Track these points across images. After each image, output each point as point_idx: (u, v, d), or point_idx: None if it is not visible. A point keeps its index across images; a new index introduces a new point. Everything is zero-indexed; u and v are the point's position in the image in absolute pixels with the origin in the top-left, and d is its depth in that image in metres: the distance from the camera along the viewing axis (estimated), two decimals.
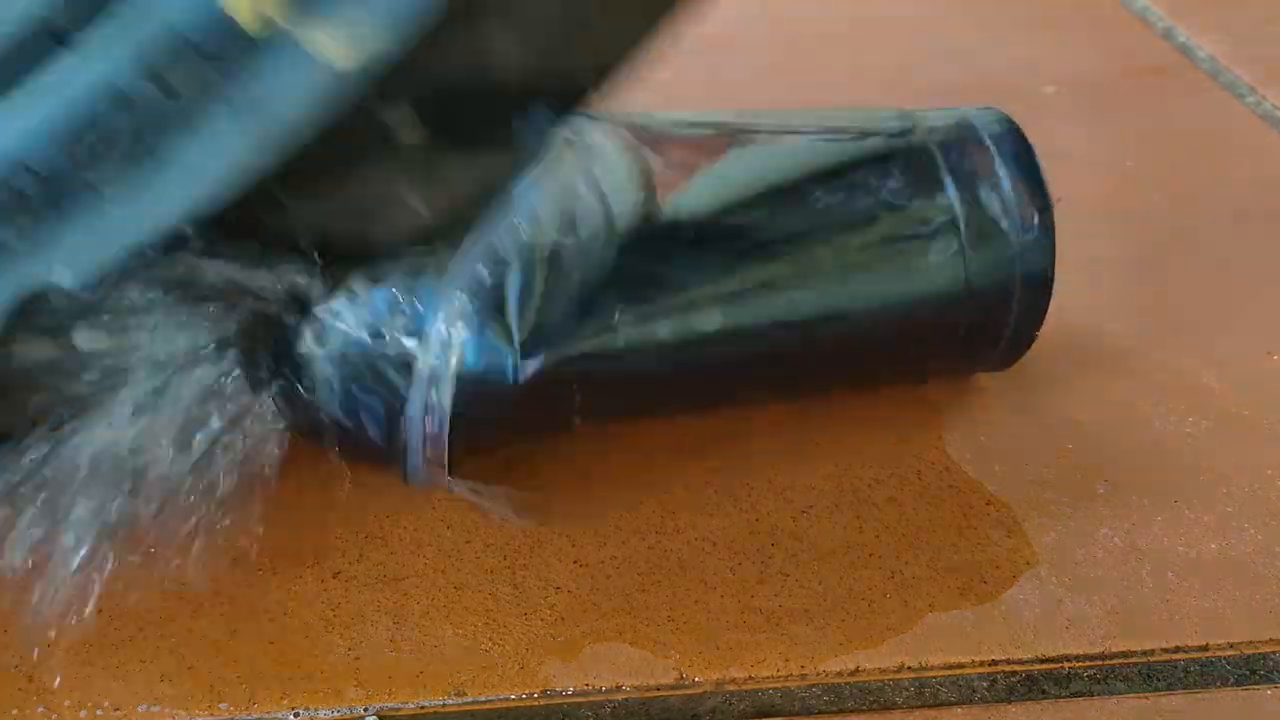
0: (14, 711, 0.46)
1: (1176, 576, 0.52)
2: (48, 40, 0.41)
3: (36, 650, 0.48)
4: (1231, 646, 0.49)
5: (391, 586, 0.52)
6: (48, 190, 0.41)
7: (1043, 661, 0.48)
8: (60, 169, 0.40)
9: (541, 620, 0.50)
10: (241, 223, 0.43)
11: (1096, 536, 0.54)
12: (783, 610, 0.51)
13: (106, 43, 0.41)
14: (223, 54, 0.40)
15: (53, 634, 0.48)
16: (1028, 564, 0.52)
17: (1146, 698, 0.47)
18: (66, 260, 0.41)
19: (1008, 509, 0.56)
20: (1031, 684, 0.48)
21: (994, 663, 0.48)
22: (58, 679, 0.47)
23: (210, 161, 0.41)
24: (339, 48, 0.41)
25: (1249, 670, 0.48)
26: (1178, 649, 0.49)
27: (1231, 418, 0.61)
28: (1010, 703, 0.47)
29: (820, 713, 0.47)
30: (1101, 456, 0.59)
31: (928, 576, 0.52)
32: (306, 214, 0.45)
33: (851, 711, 0.47)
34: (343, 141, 0.42)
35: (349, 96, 0.41)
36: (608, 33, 0.48)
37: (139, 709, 0.47)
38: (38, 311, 0.42)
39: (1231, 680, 0.48)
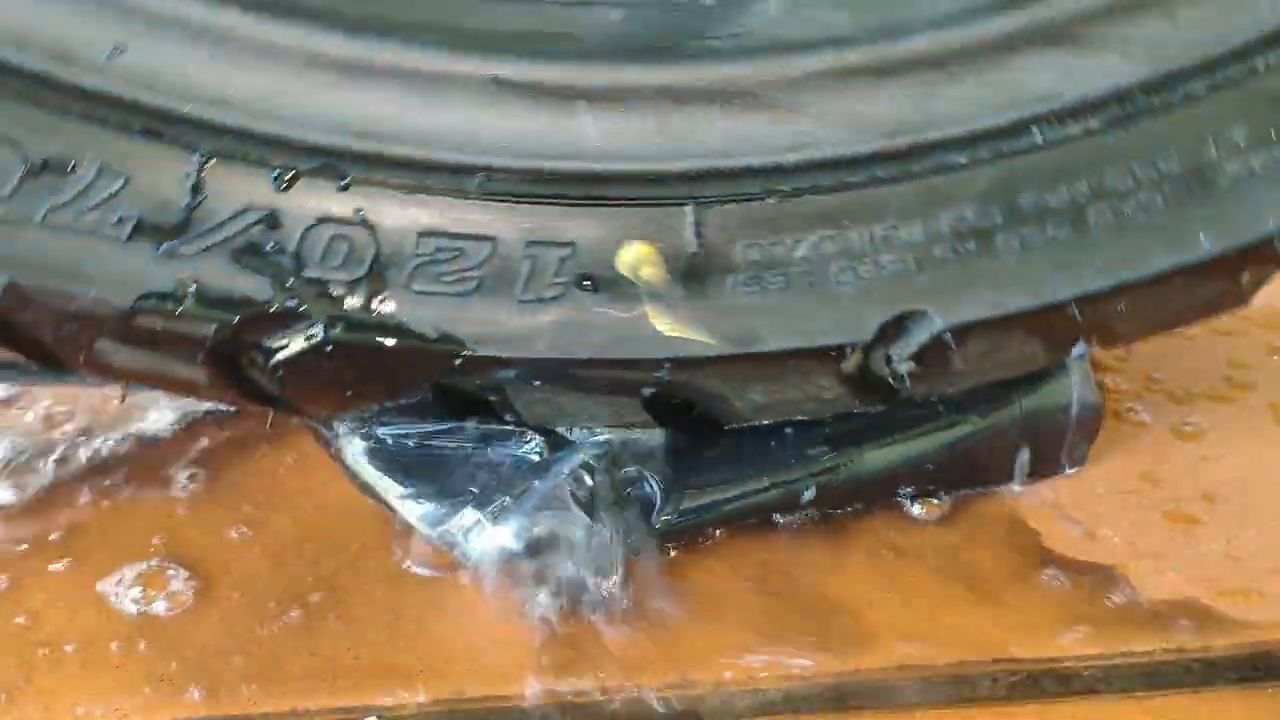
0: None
1: (1177, 575, 0.52)
2: None
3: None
4: (1232, 645, 0.49)
5: (392, 586, 0.52)
6: None
7: (1043, 660, 0.48)
8: None
9: (541, 620, 0.50)
10: None
11: (1097, 536, 0.54)
12: (783, 610, 0.50)
13: None
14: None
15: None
16: (1028, 563, 0.52)
17: (1147, 697, 0.47)
18: None
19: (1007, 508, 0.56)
20: (1033, 683, 0.47)
21: (996, 661, 0.48)
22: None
23: None
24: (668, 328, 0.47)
25: (1251, 669, 0.48)
26: (1178, 649, 0.49)
27: None
28: (1011, 702, 0.47)
29: (820, 712, 0.47)
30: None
31: (928, 576, 0.52)
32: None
33: (852, 711, 0.47)
34: None
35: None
36: None
37: (114, 709, 0.46)
38: None
39: (1233, 679, 0.48)
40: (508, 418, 0.49)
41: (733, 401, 0.49)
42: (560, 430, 0.51)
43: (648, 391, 0.48)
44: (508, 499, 0.49)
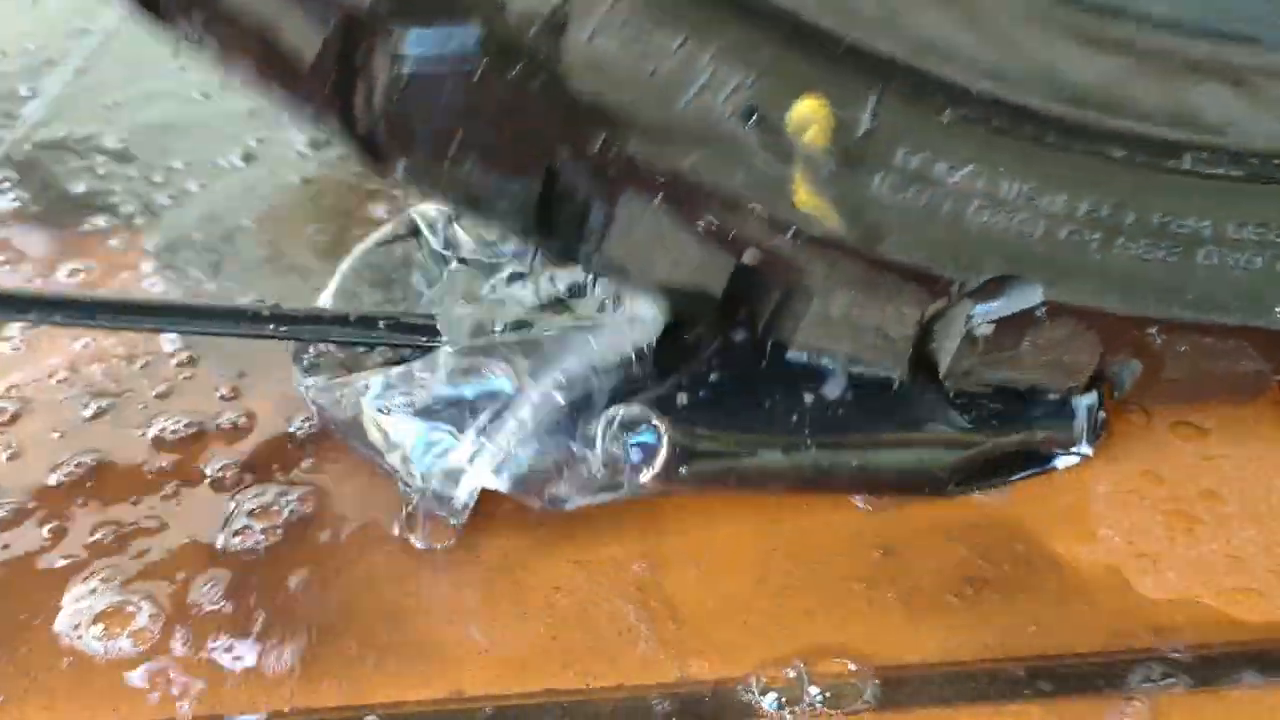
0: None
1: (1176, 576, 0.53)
2: None
3: None
4: (1232, 646, 0.50)
5: (392, 586, 0.50)
6: None
7: (1043, 660, 0.48)
8: None
9: (541, 619, 0.49)
10: None
11: (1098, 535, 0.54)
12: (783, 609, 0.50)
13: None
14: None
15: None
16: (1029, 563, 0.53)
17: (1148, 696, 0.47)
18: None
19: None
20: (1033, 683, 0.47)
21: (996, 660, 0.48)
22: None
23: None
24: None
25: (1250, 669, 0.49)
26: (1178, 648, 0.49)
27: None
28: (1011, 701, 0.47)
29: (821, 712, 0.46)
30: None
31: (929, 576, 0.52)
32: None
33: (853, 710, 0.46)
34: None
35: None
36: None
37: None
38: None
39: (1233, 679, 0.48)
40: (589, 251, 0.47)
41: (814, 303, 0.48)
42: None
43: (749, 258, 0.47)
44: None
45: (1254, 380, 0.53)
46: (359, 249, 0.61)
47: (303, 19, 0.42)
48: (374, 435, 0.51)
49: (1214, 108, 0.48)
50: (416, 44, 0.42)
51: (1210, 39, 0.47)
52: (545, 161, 0.45)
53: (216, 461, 0.56)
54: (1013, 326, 0.49)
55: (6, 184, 0.79)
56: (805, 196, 0.46)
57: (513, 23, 0.42)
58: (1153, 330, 0.50)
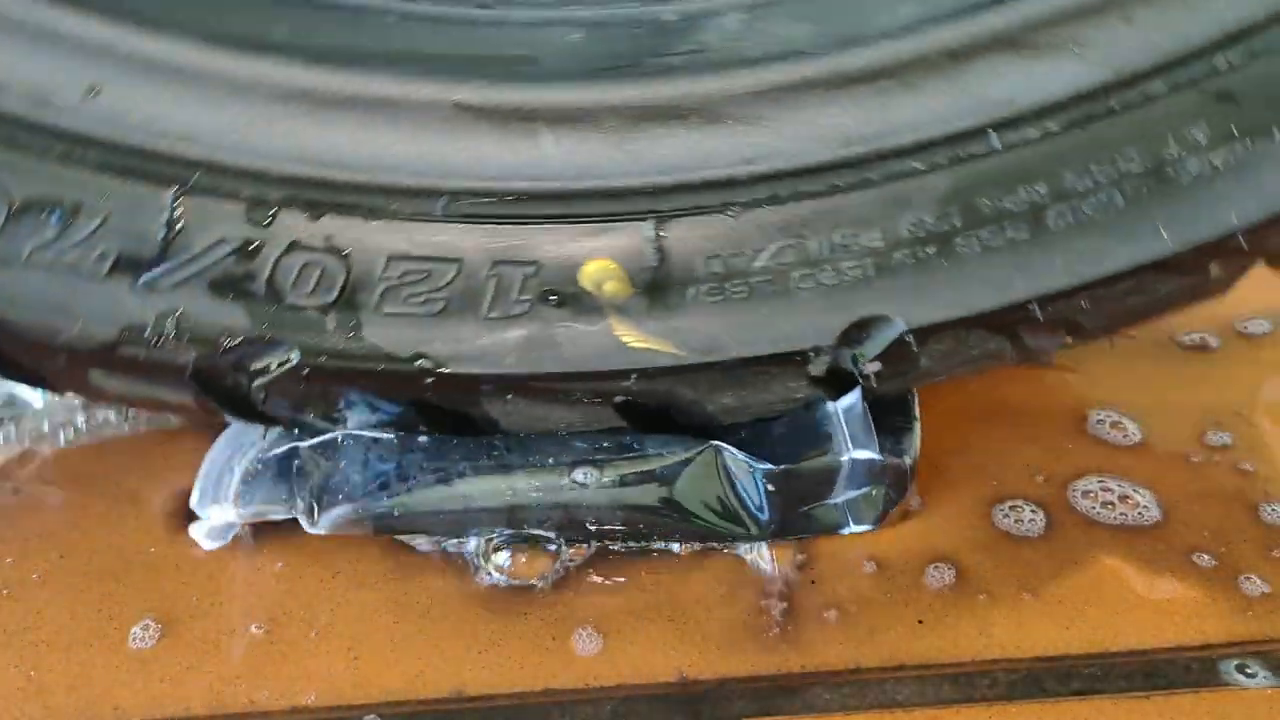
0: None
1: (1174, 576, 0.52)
2: None
3: None
4: (1231, 645, 0.49)
5: (392, 586, 0.52)
6: None
7: (1044, 660, 0.48)
8: None
9: (541, 619, 0.50)
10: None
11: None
12: (783, 609, 0.50)
13: None
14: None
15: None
16: (1029, 563, 0.52)
17: (1148, 696, 0.47)
18: None
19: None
20: (1033, 683, 0.47)
21: (995, 661, 0.48)
22: None
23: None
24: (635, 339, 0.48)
25: (1250, 669, 0.48)
26: (1178, 648, 0.49)
27: None
28: (1011, 701, 0.47)
29: (820, 711, 0.47)
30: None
31: (929, 575, 0.52)
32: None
33: (852, 710, 0.47)
34: None
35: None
36: None
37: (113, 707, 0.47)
38: None
39: (1233, 678, 0.48)
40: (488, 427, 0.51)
41: (704, 405, 0.49)
42: None
43: (619, 399, 0.49)
44: None
45: (1200, 289, 0.49)
46: None
47: (168, 388, 0.49)
48: None
49: (994, 80, 0.45)
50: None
51: None
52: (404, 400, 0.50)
53: None
54: (897, 355, 0.48)
55: None
56: (634, 339, 0.47)
57: None
58: (1036, 309, 0.48)
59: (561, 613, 0.51)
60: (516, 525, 0.52)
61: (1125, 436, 0.58)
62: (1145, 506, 0.54)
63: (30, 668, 0.48)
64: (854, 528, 0.53)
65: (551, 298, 0.47)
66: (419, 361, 0.47)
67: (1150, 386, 0.61)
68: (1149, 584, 0.51)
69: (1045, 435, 0.59)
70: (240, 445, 0.53)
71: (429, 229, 0.47)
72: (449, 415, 0.50)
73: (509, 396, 0.49)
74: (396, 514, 0.51)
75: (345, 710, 0.47)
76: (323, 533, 0.52)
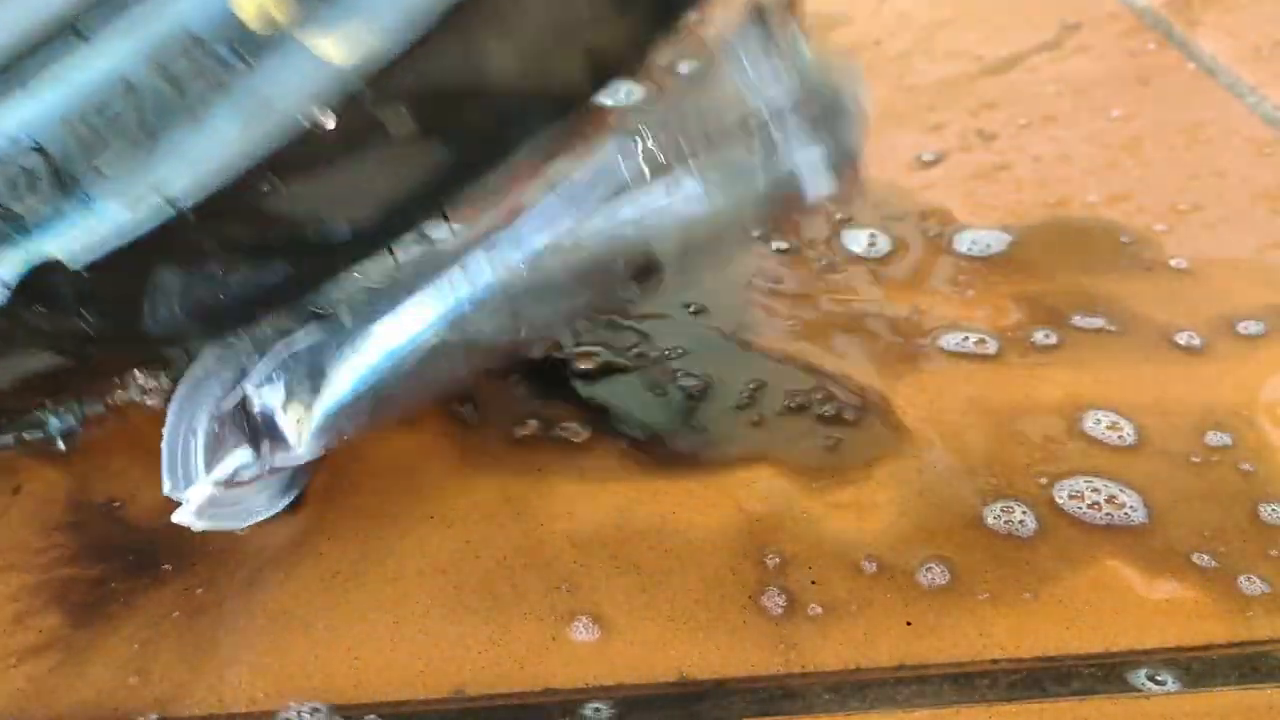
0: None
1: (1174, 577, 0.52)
2: (68, 33, 0.43)
3: None
4: (1231, 646, 0.49)
5: (392, 586, 0.52)
6: (55, 170, 0.43)
7: (1044, 660, 0.48)
8: (68, 151, 0.43)
9: (541, 619, 0.51)
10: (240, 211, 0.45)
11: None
12: (783, 609, 0.51)
13: (120, 36, 0.43)
14: (227, 50, 0.42)
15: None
16: (1029, 563, 0.52)
17: (1148, 697, 0.47)
18: (70, 238, 0.44)
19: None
20: (1033, 683, 0.48)
21: (995, 661, 0.48)
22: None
23: (210, 150, 0.43)
24: (337, 48, 0.43)
25: (1249, 669, 0.48)
26: (1179, 648, 0.49)
27: None
28: (1011, 701, 0.47)
29: (820, 712, 0.47)
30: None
31: (930, 575, 0.52)
32: (300, 201, 0.47)
33: (852, 710, 0.47)
34: (338, 135, 0.44)
35: (345, 93, 0.43)
36: (604, 38, 0.49)
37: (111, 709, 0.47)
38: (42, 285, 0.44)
39: (1232, 679, 0.48)
40: None
41: None
42: None
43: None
44: None
45: None
46: None
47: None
48: None
49: None
50: None
51: None
52: None
53: None
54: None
55: None
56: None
57: None
58: None
59: (562, 613, 0.51)
60: None
61: (1121, 438, 0.58)
62: (1132, 508, 0.55)
63: None
64: None
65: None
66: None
67: (1146, 387, 0.62)
68: (1149, 584, 0.51)
69: (1041, 437, 0.59)
70: (188, 425, 0.51)
71: None
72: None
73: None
74: (368, 383, 0.50)
75: (345, 710, 0.47)
76: (312, 454, 0.51)
